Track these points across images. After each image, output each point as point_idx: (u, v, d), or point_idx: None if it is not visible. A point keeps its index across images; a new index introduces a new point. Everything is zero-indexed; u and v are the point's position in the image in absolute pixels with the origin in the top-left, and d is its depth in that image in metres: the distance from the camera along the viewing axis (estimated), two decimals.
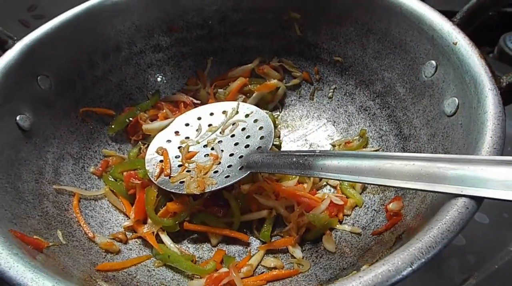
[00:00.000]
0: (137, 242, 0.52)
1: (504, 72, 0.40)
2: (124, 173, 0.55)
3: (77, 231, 0.49)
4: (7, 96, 0.47)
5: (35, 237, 0.41)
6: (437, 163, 0.32)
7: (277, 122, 0.65)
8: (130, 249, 0.51)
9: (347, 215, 0.52)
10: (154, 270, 0.48)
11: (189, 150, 0.54)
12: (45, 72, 0.52)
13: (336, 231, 0.51)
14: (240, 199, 0.52)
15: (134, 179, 0.53)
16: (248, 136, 0.53)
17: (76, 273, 0.41)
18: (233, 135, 0.54)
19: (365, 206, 0.52)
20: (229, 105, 0.58)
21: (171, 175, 0.52)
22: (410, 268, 0.28)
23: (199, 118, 0.58)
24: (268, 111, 0.62)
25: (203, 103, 0.64)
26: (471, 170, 0.31)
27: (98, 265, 0.45)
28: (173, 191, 0.50)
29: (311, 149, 0.62)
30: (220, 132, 0.55)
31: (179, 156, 0.54)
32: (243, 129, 0.54)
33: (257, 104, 0.62)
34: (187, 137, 0.56)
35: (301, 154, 0.43)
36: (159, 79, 0.66)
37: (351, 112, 0.61)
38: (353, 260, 0.46)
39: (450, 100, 0.44)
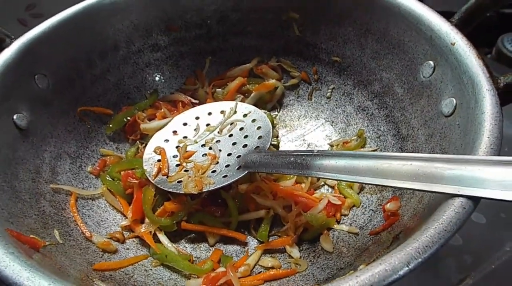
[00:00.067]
0: (134, 241, 0.52)
1: (502, 73, 0.41)
2: (122, 172, 0.54)
3: (74, 230, 0.49)
4: (4, 95, 0.47)
5: (31, 236, 0.41)
6: (435, 163, 0.32)
7: (275, 122, 0.65)
8: (127, 249, 0.51)
9: (345, 215, 0.53)
10: (151, 269, 0.48)
11: (187, 150, 0.54)
12: (43, 71, 0.52)
13: (334, 231, 0.51)
14: (237, 199, 0.52)
15: (131, 178, 0.53)
16: (246, 136, 0.53)
17: (73, 273, 0.41)
18: (231, 135, 0.54)
19: (362, 206, 0.52)
20: (227, 105, 0.58)
21: (169, 175, 0.51)
22: (407, 268, 0.28)
23: (197, 118, 0.58)
24: (266, 111, 0.62)
25: (201, 102, 0.64)
26: (468, 170, 0.31)
27: (95, 264, 0.45)
28: (170, 190, 0.50)
29: (309, 149, 0.62)
30: (218, 132, 0.55)
31: (177, 155, 0.54)
32: (241, 129, 0.54)
33: (255, 104, 0.62)
34: (185, 137, 0.56)
35: (299, 153, 0.43)
36: (157, 78, 0.66)
37: (349, 113, 0.61)
38: (351, 259, 0.46)
39: (447, 100, 0.44)
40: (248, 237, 0.52)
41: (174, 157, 0.54)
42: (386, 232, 0.45)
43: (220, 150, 0.52)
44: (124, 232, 0.52)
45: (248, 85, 0.65)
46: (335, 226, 0.51)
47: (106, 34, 0.59)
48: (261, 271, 0.48)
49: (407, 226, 0.42)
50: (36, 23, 0.52)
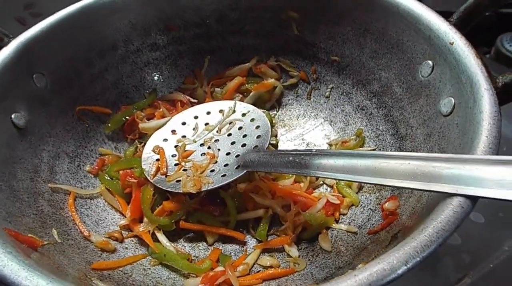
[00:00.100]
0: (133, 240, 0.52)
1: (501, 72, 0.41)
2: (120, 172, 0.54)
3: (72, 230, 0.49)
4: (2, 94, 0.47)
5: (29, 235, 0.41)
6: (433, 162, 0.32)
7: (274, 121, 0.65)
8: (126, 248, 0.50)
9: (343, 214, 0.53)
10: (149, 269, 0.48)
11: (186, 149, 0.54)
12: (41, 70, 0.52)
13: (332, 230, 0.51)
14: (236, 198, 0.52)
15: (130, 178, 0.53)
16: (245, 136, 0.53)
17: (71, 272, 0.41)
18: (229, 134, 0.54)
19: (361, 205, 0.53)
20: (226, 104, 0.58)
21: (168, 174, 0.51)
22: (405, 267, 0.28)
23: (196, 117, 0.58)
24: (265, 110, 0.62)
25: (200, 102, 0.64)
26: (467, 169, 0.31)
27: (94, 263, 0.45)
28: (169, 189, 0.50)
29: (307, 148, 0.62)
30: (217, 131, 0.55)
31: (175, 155, 0.54)
32: (240, 128, 0.54)
33: (254, 104, 0.62)
34: (184, 136, 0.56)
35: (297, 153, 0.43)
36: (156, 78, 0.66)
37: (348, 112, 0.61)
38: (349, 259, 0.46)
39: (446, 100, 0.44)
40: (247, 236, 0.52)
41: (172, 156, 0.54)
42: (385, 231, 0.45)
43: (219, 149, 0.52)
44: (122, 231, 0.52)
45: (247, 85, 0.65)
46: (333, 225, 0.51)
47: (104, 34, 0.59)
48: (259, 270, 0.48)
49: (405, 225, 0.42)
50: (35, 22, 0.52)
